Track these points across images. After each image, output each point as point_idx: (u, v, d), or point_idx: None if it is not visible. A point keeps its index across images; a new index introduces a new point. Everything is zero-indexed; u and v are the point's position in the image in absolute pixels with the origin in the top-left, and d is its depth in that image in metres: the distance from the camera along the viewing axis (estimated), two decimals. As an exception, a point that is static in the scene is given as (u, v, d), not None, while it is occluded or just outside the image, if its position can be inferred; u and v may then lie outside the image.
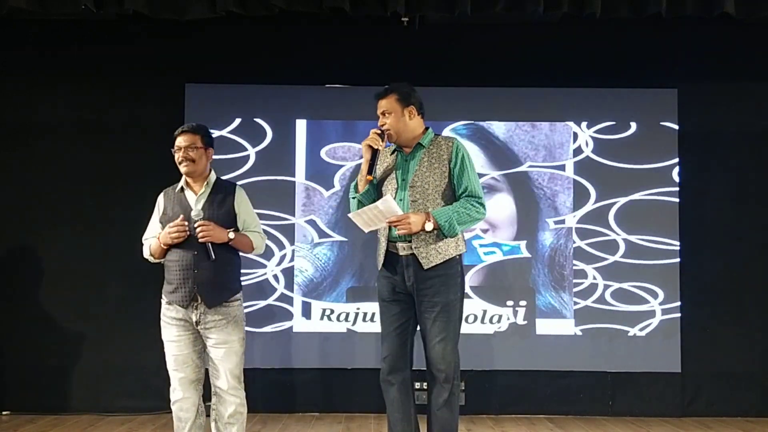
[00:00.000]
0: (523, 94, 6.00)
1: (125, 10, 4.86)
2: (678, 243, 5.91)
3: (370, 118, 5.96)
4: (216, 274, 3.89)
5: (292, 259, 5.90)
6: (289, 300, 5.88)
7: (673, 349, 5.85)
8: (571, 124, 5.99)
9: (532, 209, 5.96)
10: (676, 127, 5.96)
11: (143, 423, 5.53)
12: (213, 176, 4.08)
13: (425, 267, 3.77)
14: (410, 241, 3.78)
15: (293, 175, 5.94)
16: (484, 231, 5.93)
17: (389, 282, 3.90)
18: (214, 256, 3.85)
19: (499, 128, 5.99)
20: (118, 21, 5.74)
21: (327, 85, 6.02)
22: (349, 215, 3.94)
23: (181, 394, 3.99)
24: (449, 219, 3.74)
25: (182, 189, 4.05)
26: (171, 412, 5.79)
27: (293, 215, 5.92)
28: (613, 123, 5.98)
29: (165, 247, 3.93)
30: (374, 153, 3.86)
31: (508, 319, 5.89)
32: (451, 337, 3.85)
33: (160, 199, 4.13)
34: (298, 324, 5.87)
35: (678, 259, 5.90)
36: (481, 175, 5.94)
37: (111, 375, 5.87)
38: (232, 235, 3.93)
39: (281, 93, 6.00)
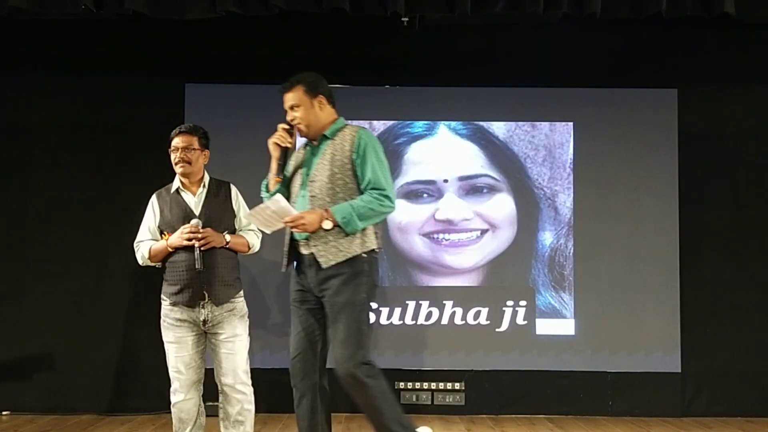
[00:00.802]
0: (523, 94, 6.00)
1: (125, 10, 4.86)
2: (678, 243, 5.90)
3: (371, 118, 6.02)
4: (222, 273, 3.94)
5: (292, 259, 5.90)
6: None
7: (673, 349, 5.86)
8: (571, 124, 5.99)
9: (532, 209, 5.96)
10: (676, 127, 5.96)
11: (143, 423, 5.53)
12: (207, 176, 4.10)
13: (323, 266, 3.57)
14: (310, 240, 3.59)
15: (293, 175, 5.93)
16: (484, 231, 5.94)
17: (297, 282, 3.75)
18: (203, 267, 3.86)
19: (499, 128, 5.99)
20: (118, 21, 5.74)
21: (327, 85, 6.02)
22: (245, 216, 3.77)
23: (183, 396, 4.00)
24: (348, 215, 3.52)
25: (178, 191, 4.06)
26: (171, 412, 5.80)
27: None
28: (614, 123, 5.98)
29: (171, 250, 3.94)
30: (284, 151, 3.69)
31: (508, 319, 5.89)
32: (354, 339, 3.56)
33: (154, 200, 4.12)
34: (298, 324, 5.86)
35: (678, 259, 5.89)
36: (481, 175, 5.95)
37: (111, 375, 5.87)
38: (228, 238, 3.97)
39: (281, 93, 5.98)
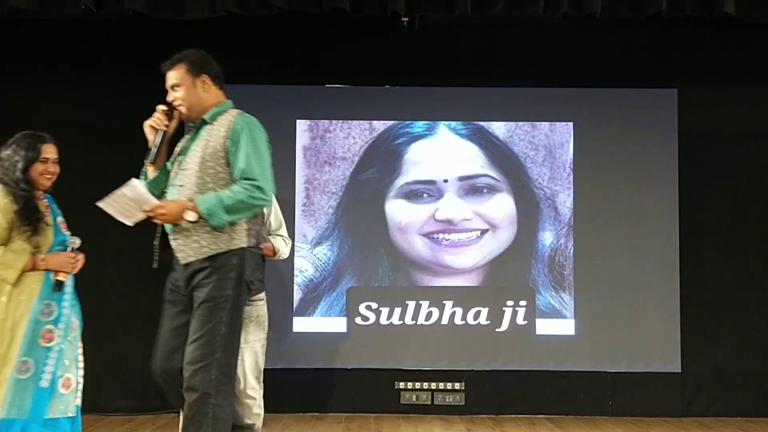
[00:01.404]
0: (523, 94, 6.00)
1: (125, 10, 4.86)
2: (678, 243, 5.90)
3: (371, 118, 6.02)
4: None
5: (292, 259, 5.90)
6: (289, 300, 5.88)
7: (673, 349, 5.85)
8: (571, 124, 5.99)
9: (532, 209, 5.96)
10: (676, 127, 5.96)
11: (143, 423, 5.53)
12: None
13: (182, 262, 3.25)
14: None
15: (293, 175, 5.93)
16: (484, 231, 5.94)
17: (169, 278, 3.42)
18: None
19: (499, 128, 5.99)
20: (118, 21, 5.74)
21: (327, 85, 6.02)
22: (99, 203, 3.42)
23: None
24: (213, 206, 3.14)
25: None
26: (171, 412, 5.80)
27: (293, 215, 5.91)
28: (614, 123, 5.97)
29: None
30: (162, 135, 3.38)
31: (508, 319, 5.89)
32: (210, 340, 3.12)
33: None
34: (298, 324, 5.86)
35: (678, 259, 5.89)
36: (481, 175, 5.95)
37: (111, 375, 5.86)
38: None
39: (281, 93, 6.00)
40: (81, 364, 3.71)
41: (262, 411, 4.05)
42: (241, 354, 3.89)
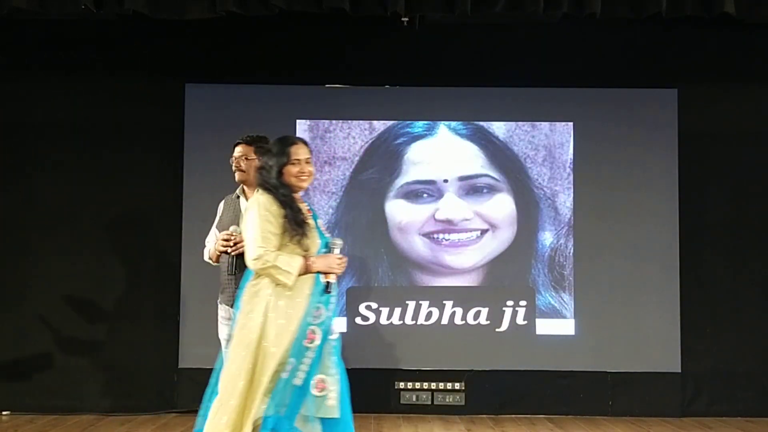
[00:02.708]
0: (523, 94, 6.00)
1: (125, 10, 4.86)
2: (678, 243, 5.90)
3: (371, 118, 6.02)
4: None
5: (292, 259, 5.90)
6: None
7: (673, 349, 5.85)
8: (571, 124, 5.99)
9: (532, 209, 5.96)
10: (676, 127, 5.96)
11: (143, 423, 5.53)
12: None
13: None
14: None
15: (293, 175, 5.93)
16: (484, 231, 5.94)
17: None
18: (234, 272, 3.98)
19: (499, 128, 5.99)
20: (118, 21, 5.74)
21: (327, 85, 6.02)
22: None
23: None
24: None
25: (237, 196, 4.23)
26: (171, 412, 5.82)
27: (293, 215, 5.91)
28: (614, 123, 5.98)
29: (218, 254, 4.13)
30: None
31: (508, 319, 5.89)
32: None
33: (221, 204, 4.33)
34: (298, 324, 5.86)
35: (678, 259, 5.89)
36: (481, 175, 5.95)
37: (111, 375, 5.87)
38: None
39: (281, 93, 6.00)
40: (333, 370, 3.56)
41: None
42: None
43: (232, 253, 4.00)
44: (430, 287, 5.92)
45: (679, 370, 5.86)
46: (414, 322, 5.89)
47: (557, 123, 5.99)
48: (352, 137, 5.97)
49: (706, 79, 6.04)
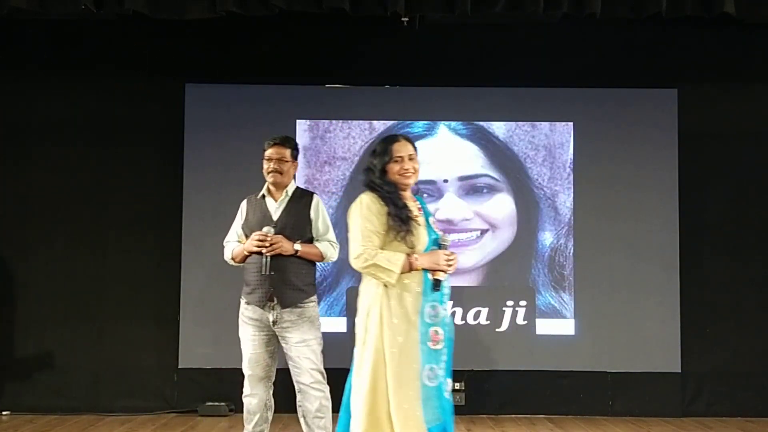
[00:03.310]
0: (523, 94, 6.00)
1: (125, 10, 4.86)
2: (678, 243, 5.90)
3: (371, 118, 6.02)
4: (291, 278, 4.07)
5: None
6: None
7: (673, 349, 5.85)
8: (571, 124, 5.99)
9: (532, 209, 5.96)
10: (676, 127, 5.96)
11: (143, 423, 5.53)
12: (293, 185, 4.25)
13: None
14: None
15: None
16: (484, 231, 5.94)
17: None
18: (270, 272, 4.02)
19: (499, 128, 5.99)
20: (118, 21, 5.74)
21: (327, 85, 6.02)
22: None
23: (250, 390, 4.20)
24: None
25: (263, 196, 4.22)
26: (171, 412, 5.83)
27: (293, 215, 5.91)
28: (614, 123, 5.98)
29: (247, 254, 4.13)
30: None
31: (508, 319, 5.89)
32: None
33: (243, 204, 4.32)
34: (298, 324, 5.86)
35: (678, 259, 5.89)
36: (481, 175, 5.96)
37: (111, 375, 5.87)
38: (298, 247, 4.09)
39: (281, 93, 6.00)
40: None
41: (330, 403, 4.16)
42: (300, 353, 4.11)
43: (268, 254, 4.02)
44: (430, 287, 5.91)
45: (679, 370, 5.86)
46: (414, 322, 5.88)
47: (557, 123, 5.99)
48: (352, 137, 5.97)
49: (706, 79, 6.04)
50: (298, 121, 5.98)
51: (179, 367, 5.85)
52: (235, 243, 4.28)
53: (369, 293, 3.50)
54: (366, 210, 3.52)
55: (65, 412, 5.76)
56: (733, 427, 5.60)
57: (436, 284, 3.49)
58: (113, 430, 5.34)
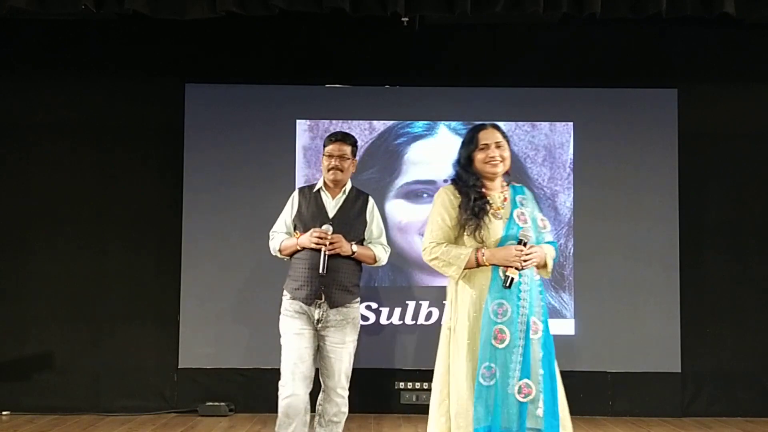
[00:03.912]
0: (523, 94, 6.00)
1: (125, 10, 4.85)
2: (678, 243, 5.90)
3: (371, 118, 6.02)
4: (342, 278, 4.01)
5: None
6: (289, 300, 5.88)
7: (673, 349, 5.85)
8: (571, 124, 5.99)
9: (532, 209, 5.95)
10: (676, 127, 5.96)
11: (143, 423, 5.52)
12: (349, 184, 4.17)
13: None
14: None
15: (293, 175, 5.93)
16: (484, 231, 5.93)
17: None
18: (325, 271, 3.93)
19: (499, 128, 5.99)
20: (118, 21, 5.74)
21: (327, 85, 6.02)
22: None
23: (292, 390, 3.96)
24: None
25: (319, 191, 4.13)
26: (171, 412, 5.82)
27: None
28: (614, 123, 5.97)
29: (300, 249, 4.02)
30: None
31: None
32: None
33: (295, 195, 4.21)
34: (298, 324, 5.86)
35: (678, 259, 5.89)
36: (481, 175, 5.96)
37: (111, 375, 5.87)
38: (355, 248, 4.04)
39: (281, 93, 6.00)
40: (540, 371, 3.41)
41: (347, 410, 4.11)
42: (337, 354, 4.01)
43: (328, 253, 3.93)
44: (430, 287, 5.92)
45: (679, 370, 5.86)
46: (414, 322, 5.89)
47: (557, 123, 5.99)
48: (352, 137, 5.97)
49: (706, 79, 6.04)
50: (298, 121, 5.98)
51: (179, 367, 5.85)
52: (284, 235, 4.15)
53: (449, 287, 3.49)
54: (440, 202, 3.47)
55: (65, 412, 5.75)
56: (733, 427, 5.59)
57: (507, 281, 3.34)
58: (113, 430, 5.33)
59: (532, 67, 5.98)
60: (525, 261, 3.37)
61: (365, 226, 4.13)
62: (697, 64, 6.04)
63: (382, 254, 4.18)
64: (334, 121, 5.97)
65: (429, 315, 5.89)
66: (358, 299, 4.13)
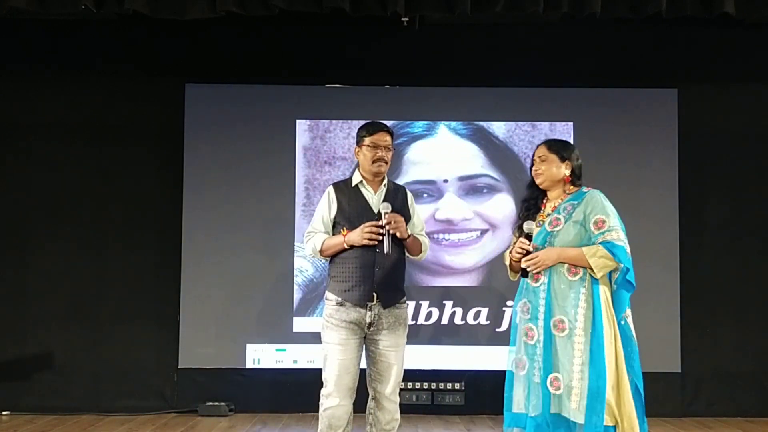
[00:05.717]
0: (523, 94, 6.00)
1: (125, 10, 4.85)
2: (678, 243, 5.90)
3: (370, 118, 5.99)
4: (393, 275, 3.80)
5: (292, 260, 5.90)
6: (289, 299, 5.88)
7: (673, 349, 5.85)
8: (571, 124, 5.99)
9: (532, 209, 5.95)
10: (676, 127, 5.96)
11: (143, 423, 5.53)
12: (385, 177, 3.95)
13: None
14: None
15: (293, 175, 5.94)
16: (484, 231, 5.93)
17: None
18: (389, 250, 3.69)
19: (499, 128, 5.99)
20: (118, 21, 5.74)
21: (327, 85, 6.02)
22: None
23: (337, 401, 3.79)
24: None
25: (358, 186, 3.89)
26: (171, 412, 5.82)
27: (293, 215, 5.91)
28: (614, 123, 5.97)
29: (347, 247, 3.78)
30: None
31: (508, 319, 5.89)
32: None
33: (331, 191, 3.91)
34: (298, 324, 5.86)
35: (678, 259, 5.89)
36: (481, 175, 5.96)
37: (111, 375, 5.87)
38: (410, 232, 3.85)
39: (281, 93, 6.00)
40: (576, 368, 3.57)
41: (399, 416, 3.96)
42: (391, 357, 3.84)
43: (391, 231, 3.70)
44: (430, 287, 5.92)
45: (679, 370, 5.86)
46: (414, 322, 5.88)
47: (557, 123, 5.99)
48: (352, 137, 5.95)
49: (706, 79, 6.04)
50: (298, 121, 5.98)
51: (179, 367, 5.85)
52: (324, 234, 3.85)
53: None
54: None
55: (65, 412, 5.75)
56: (733, 427, 5.59)
57: (523, 272, 3.70)
58: (113, 430, 5.33)
59: (532, 67, 5.98)
60: (525, 257, 3.68)
61: (409, 220, 3.89)
62: (697, 64, 6.04)
63: (426, 246, 4.00)
64: (334, 121, 5.97)
65: (429, 315, 5.89)
66: (405, 298, 3.91)
